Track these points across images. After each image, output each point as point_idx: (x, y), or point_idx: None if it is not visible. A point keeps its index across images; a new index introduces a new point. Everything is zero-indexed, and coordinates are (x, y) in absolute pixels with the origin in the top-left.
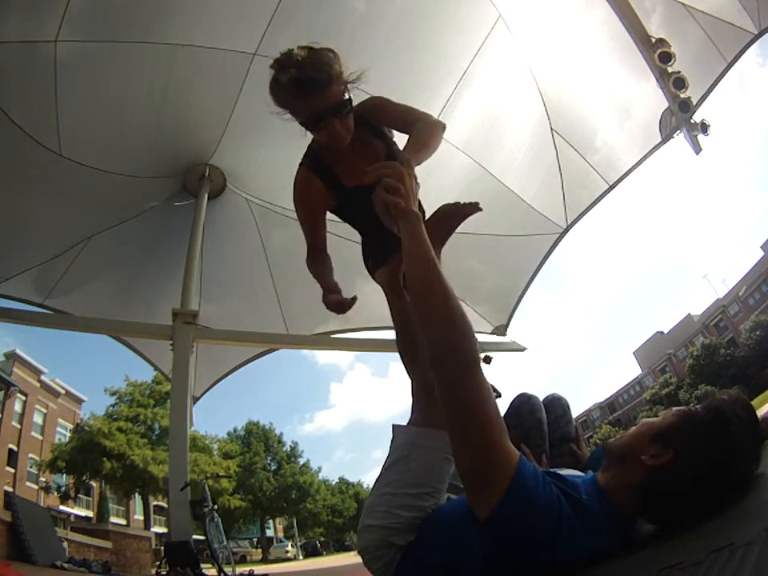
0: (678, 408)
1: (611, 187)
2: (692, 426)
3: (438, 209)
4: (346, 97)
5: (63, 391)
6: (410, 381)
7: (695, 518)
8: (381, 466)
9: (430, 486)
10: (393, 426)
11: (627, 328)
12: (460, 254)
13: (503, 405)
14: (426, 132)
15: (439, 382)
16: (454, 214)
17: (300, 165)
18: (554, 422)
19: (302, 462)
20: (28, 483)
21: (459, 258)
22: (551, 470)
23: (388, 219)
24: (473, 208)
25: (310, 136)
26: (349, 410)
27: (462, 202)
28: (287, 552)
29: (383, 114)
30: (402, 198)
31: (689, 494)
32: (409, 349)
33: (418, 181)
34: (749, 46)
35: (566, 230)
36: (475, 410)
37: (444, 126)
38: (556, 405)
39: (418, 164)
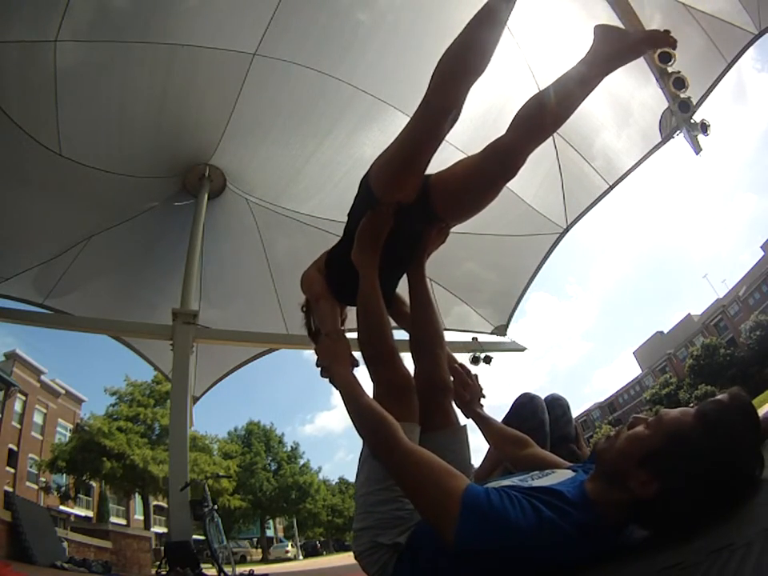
0: (668, 421)
1: (611, 187)
2: (683, 447)
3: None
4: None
5: (63, 391)
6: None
7: (693, 525)
8: None
9: None
10: None
11: (627, 328)
12: (460, 254)
13: (505, 404)
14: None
15: None
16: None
17: None
18: (554, 422)
19: (302, 463)
20: (28, 483)
21: (460, 259)
22: (534, 486)
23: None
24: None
25: (307, 136)
26: None
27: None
28: (287, 552)
29: None
30: (327, 373)
31: (683, 512)
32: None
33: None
34: (749, 46)
35: (566, 230)
36: (404, 482)
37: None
38: (556, 405)
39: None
